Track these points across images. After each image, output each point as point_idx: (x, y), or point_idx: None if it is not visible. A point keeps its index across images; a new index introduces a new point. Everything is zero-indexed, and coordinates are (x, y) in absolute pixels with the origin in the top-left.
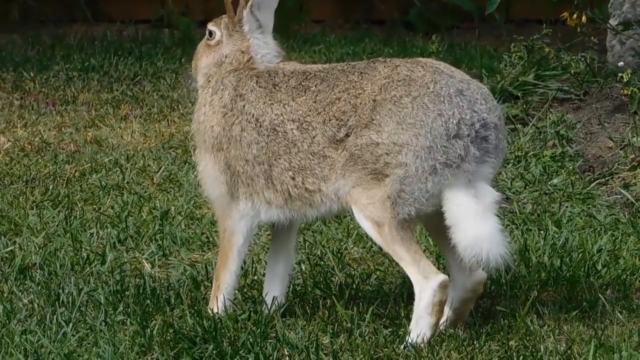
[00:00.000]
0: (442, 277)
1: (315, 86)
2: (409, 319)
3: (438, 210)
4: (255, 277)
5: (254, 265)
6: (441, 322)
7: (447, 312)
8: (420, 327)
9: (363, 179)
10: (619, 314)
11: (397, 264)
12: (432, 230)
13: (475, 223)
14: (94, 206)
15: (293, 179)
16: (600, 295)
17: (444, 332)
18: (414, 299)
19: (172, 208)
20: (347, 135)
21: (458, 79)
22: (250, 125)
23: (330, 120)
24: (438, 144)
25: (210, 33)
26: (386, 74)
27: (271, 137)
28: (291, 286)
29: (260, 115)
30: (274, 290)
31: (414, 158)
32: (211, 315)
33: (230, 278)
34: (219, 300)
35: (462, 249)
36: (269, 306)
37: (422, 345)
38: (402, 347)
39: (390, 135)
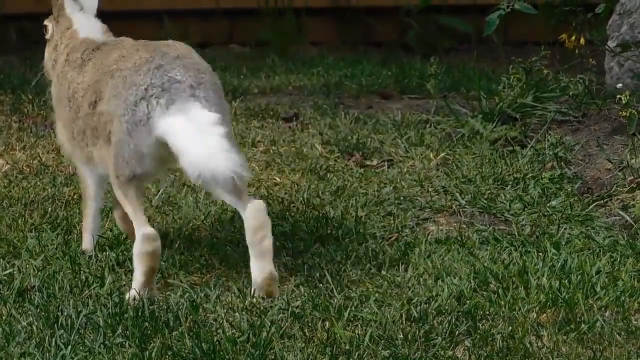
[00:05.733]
0: (147, 230)
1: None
2: (407, 341)
3: None
4: (254, 300)
5: (252, 288)
6: None
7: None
8: (135, 274)
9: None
10: (617, 335)
11: (395, 286)
12: None
13: (190, 149)
14: None
15: (82, 140)
16: (599, 317)
17: (442, 353)
18: (413, 320)
19: (171, 230)
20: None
21: (171, 55)
22: (66, 82)
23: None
24: (128, 108)
25: (45, 28)
26: (121, 52)
27: (71, 99)
28: (290, 308)
29: (71, 81)
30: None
31: (118, 124)
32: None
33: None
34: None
35: (189, 175)
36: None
37: (140, 291)
38: (126, 296)
39: (105, 105)
